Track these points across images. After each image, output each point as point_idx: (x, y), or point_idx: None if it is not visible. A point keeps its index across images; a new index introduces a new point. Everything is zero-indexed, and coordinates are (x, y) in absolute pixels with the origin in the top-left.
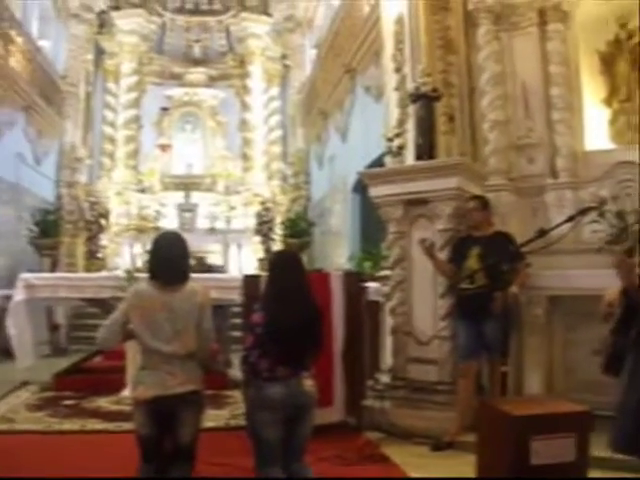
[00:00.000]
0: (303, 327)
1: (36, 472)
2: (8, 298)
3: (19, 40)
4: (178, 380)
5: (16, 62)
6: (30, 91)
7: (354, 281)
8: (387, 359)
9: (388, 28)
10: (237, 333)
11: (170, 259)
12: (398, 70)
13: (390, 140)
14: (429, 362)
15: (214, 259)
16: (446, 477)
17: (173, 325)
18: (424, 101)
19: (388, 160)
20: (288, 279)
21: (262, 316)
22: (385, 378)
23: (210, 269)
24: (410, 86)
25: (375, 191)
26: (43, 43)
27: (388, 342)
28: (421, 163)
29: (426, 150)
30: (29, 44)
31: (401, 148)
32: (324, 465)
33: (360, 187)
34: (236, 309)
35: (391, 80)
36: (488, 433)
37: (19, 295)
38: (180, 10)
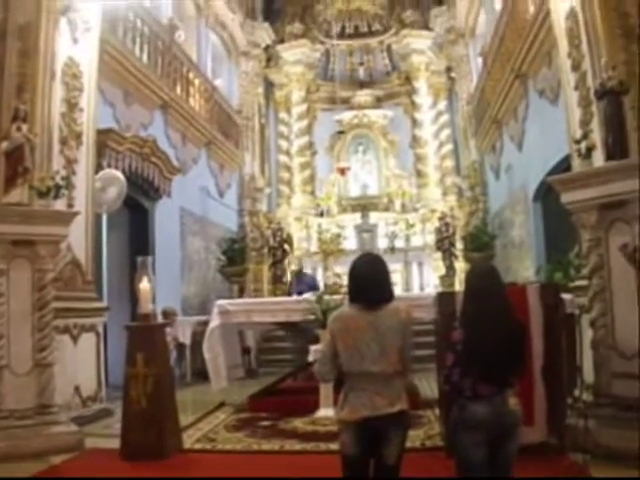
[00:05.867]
0: (506, 343)
1: None
2: (201, 324)
3: (196, 81)
4: (386, 400)
5: (195, 102)
6: (210, 127)
7: (551, 294)
8: (586, 375)
9: (559, 25)
10: (422, 352)
11: (374, 280)
12: (576, 68)
13: (578, 142)
14: (637, 377)
15: (395, 278)
16: None
17: (380, 344)
18: (611, 97)
19: (577, 163)
20: (488, 294)
21: (462, 333)
22: (586, 395)
23: None
24: (593, 83)
25: (567, 197)
26: (217, 82)
27: (587, 357)
28: (614, 163)
29: (617, 149)
30: (206, 84)
31: (590, 149)
32: None
33: (541, 195)
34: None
35: (569, 79)
36: None
37: (215, 320)
38: (341, 35)
